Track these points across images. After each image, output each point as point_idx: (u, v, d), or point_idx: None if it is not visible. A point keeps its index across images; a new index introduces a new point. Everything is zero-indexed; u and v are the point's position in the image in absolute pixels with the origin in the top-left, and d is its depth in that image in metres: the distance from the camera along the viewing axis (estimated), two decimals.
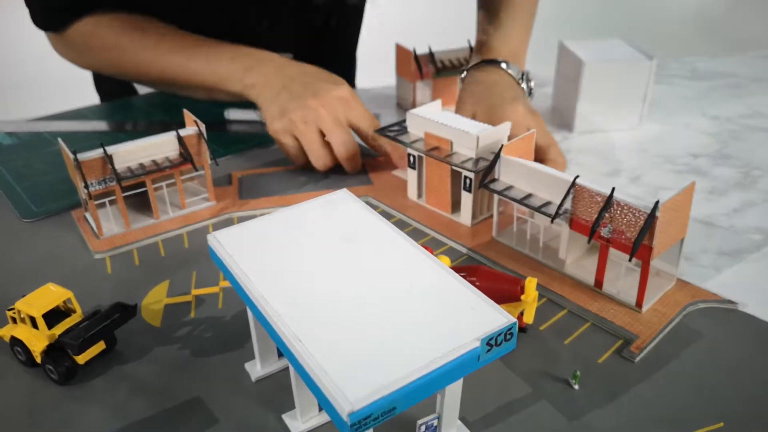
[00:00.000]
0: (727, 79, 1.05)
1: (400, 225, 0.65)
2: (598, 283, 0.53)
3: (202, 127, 0.64)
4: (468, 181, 0.61)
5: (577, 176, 0.51)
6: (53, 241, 0.63)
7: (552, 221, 0.52)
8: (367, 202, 0.69)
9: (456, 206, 0.65)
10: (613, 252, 0.52)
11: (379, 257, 0.40)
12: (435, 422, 0.39)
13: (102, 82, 1.14)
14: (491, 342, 0.33)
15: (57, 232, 0.65)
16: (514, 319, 0.34)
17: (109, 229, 0.63)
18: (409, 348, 0.33)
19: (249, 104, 0.86)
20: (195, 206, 0.67)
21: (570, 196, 0.52)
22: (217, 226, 0.65)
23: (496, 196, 0.59)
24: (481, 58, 0.80)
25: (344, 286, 0.37)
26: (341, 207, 0.45)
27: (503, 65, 0.78)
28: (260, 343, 0.45)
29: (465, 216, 0.63)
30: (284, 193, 0.70)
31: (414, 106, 0.89)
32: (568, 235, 0.54)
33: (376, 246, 0.41)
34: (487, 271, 0.49)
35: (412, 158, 0.66)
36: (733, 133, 0.85)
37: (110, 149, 0.60)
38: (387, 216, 0.67)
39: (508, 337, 0.34)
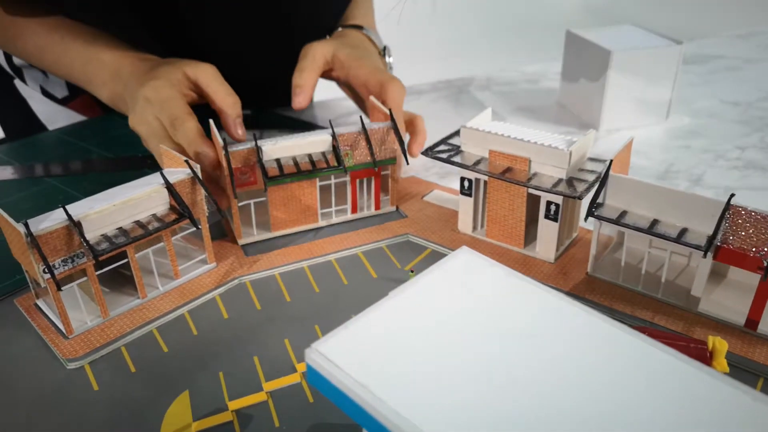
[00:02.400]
0: (720, 62, 1.00)
1: None
2: (752, 322, 0.43)
3: (197, 168, 0.48)
4: (554, 207, 0.49)
5: (733, 195, 0.40)
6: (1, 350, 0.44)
7: (704, 255, 0.41)
8: (408, 241, 0.55)
9: (527, 238, 0.52)
10: (740, 274, 0.41)
11: (588, 359, 0.26)
12: None
13: (5, 116, 0.91)
14: None
15: (1, 334, 0.46)
16: None
17: (81, 321, 0.45)
18: None
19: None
20: (191, 273, 0.50)
21: (723, 221, 0.41)
22: (227, 297, 0.49)
23: (595, 224, 0.47)
24: (344, 23, 0.77)
25: (565, 417, 0.24)
26: (477, 278, 0.31)
27: (365, 31, 0.75)
28: None
29: (546, 250, 0.51)
30: (297, 241, 0.55)
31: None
32: (709, 269, 0.43)
33: (569, 338, 0.27)
34: (655, 336, 0.36)
35: (467, 183, 0.53)
36: (764, 120, 0.78)
37: (76, 213, 0.42)
38: (439, 257, 0.53)
39: None
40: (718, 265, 0.48)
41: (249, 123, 0.79)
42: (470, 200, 0.54)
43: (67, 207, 0.42)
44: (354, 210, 0.57)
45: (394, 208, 0.59)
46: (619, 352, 0.27)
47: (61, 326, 0.44)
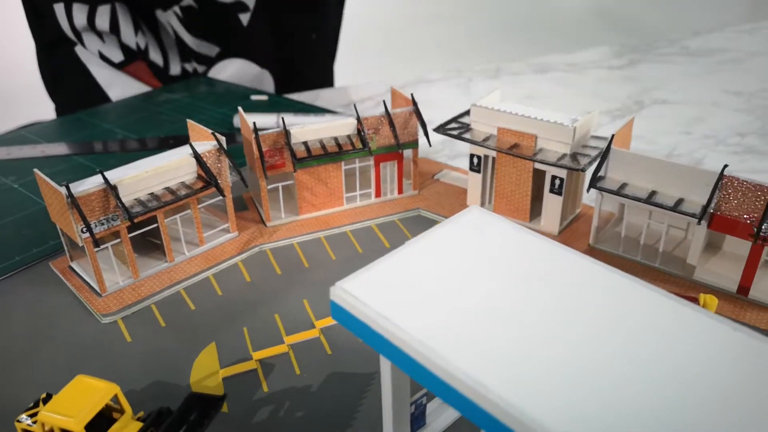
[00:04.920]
0: (726, 54, 1.02)
1: None
2: (743, 289, 0.45)
3: (222, 140, 0.51)
4: (558, 181, 0.51)
5: (726, 165, 0.43)
6: (37, 305, 0.48)
7: (699, 222, 0.43)
8: (419, 216, 0.58)
9: (532, 212, 0.55)
10: (740, 244, 0.44)
11: (593, 301, 0.29)
12: None
13: (60, 89, 0.95)
14: None
15: (38, 293, 0.49)
16: None
17: (114, 281, 0.48)
18: None
19: (253, 107, 0.73)
20: (215, 240, 0.53)
21: (717, 191, 0.43)
22: (249, 263, 0.52)
23: (597, 197, 0.49)
24: None
25: (575, 351, 0.26)
26: (490, 229, 0.34)
27: None
28: (396, 419, 0.33)
29: (551, 223, 0.54)
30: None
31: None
32: (704, 237, 0.46)
33: (579, 284, 0.30)
34: None
35: (476, 159, 0.56)
36: (766, 109, 0.81)
37: (112, 177, 0.45)
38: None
39: None
40: (714, 238, 0.50)
41: (266, 107, 0.82)
42: (479, 176, 0.56)
43: (104, 173, 0.46)
44: (378, 194, 0.60)
45: (416, 192, 0.61)
46: (617, 293, 0.29)
47: (95, 285, 0.47)
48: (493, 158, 0.55)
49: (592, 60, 1.02)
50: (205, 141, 0.52)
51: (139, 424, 0.32)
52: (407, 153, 0.60)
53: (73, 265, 0.51)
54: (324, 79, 1.07)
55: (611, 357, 0.26)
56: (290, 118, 0.77)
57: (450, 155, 0.70)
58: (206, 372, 0.41)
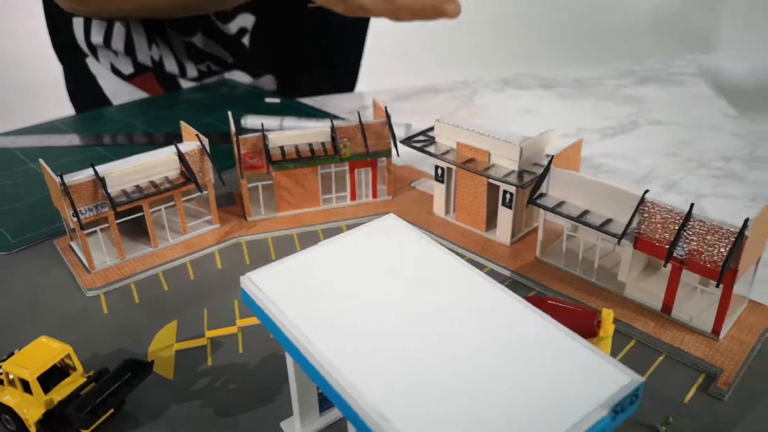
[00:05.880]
0: (738, 78, 1.02)
1: None
2: (667, 308, 0.48)
3: (205, 141, 0.57)
4: (508, 196, 0.55)
5: (647, 191, 0.46)
6: (36, 277, 0.55)
7: (618, 242, 0.46)
8: None
9: (490, 223, 0.59)
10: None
11: (455, 300, 0.33)
12: None
13: (76, 90, 1.05)
14: (618, 408, 0.27)
15: (39, 266, 0.56)
16: (641, 378, 0.28)
17: (102, 261, 0.55)
18: (521, 423, 0.26)
19: (263, 110, 0.79)
20: (197, 231, 0.60)
21: (638, 214, 0.46)
22: (224, 253, 0.58)
23: (541, 213, 0.53)
24: None
25: (420, 341, 0.31)
26: (394, 236, 0.39)
27: None
28: (302, 398, 0.38)
29: (503, 234, 0.57)
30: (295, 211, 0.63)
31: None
32: (631, 256, 0.49)
33: (448, 285, 0.34)
34: (555, 304, 0.42)
35: (440, 171, 0.60)
36: (762, 135, 0.81)
37: (102, 170, 0.52)
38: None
39: (633, 399, 0.28)
40: (654, 259, 0.53)
41: (276, 110, 0.88)
42: (443, 186, 0.60)
43: (96, 166, 0.52)
44: (353, 197, 0.65)
45: (390, 198, 0.66)
46: (478, 297, 0.33)
47: (85, 262, 0.54)
48: (455, 171, 0.59)
49: (600, 77, 1.03)
50: (192, 142, 0.58)
51: (84, 379, 0.38)
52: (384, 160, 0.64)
53: (72, 244, 0.58)
54: (344, 83, 1.12)
55: (445, 345, 0.30)
56: (293, 122, 0.82)
57: (432, 164, 0.74)
58: (163, 344, 0.47)
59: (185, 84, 1.02)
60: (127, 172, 0.53)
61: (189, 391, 0.43)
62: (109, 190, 0.52)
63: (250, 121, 0.83)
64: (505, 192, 0.55)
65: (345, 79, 1.13)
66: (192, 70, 1.01)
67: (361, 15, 0.75)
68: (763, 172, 0.71)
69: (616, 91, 0.98)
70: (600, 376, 0.28)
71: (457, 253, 0.57)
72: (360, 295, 0.34)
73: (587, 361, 0.29)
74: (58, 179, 0.50)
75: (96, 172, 0.51)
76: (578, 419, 0.26)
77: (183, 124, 0.60)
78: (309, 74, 1.07)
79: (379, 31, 1.13)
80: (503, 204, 0.56)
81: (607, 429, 0.27)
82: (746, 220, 0.41)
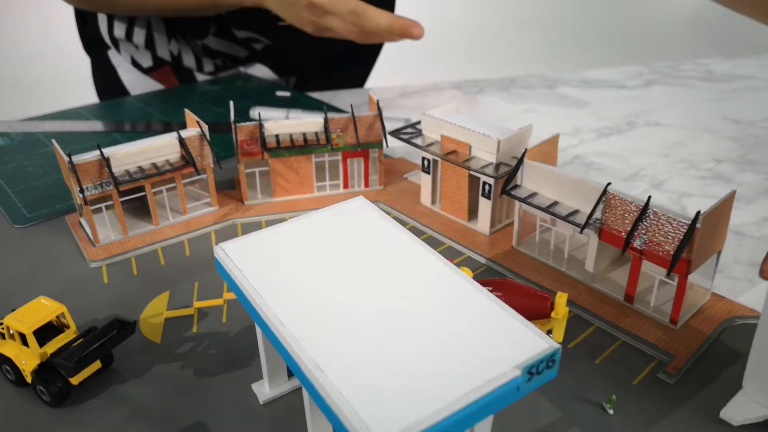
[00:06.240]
0: (746, 82, 1.02)
1: (415, 233, 0.62)
2: (629, 297, 0.50)
3: (205, 128, 0.61)
4: (487, 187, 0.57)
5: (609, 183, 0.48)
6: (46, 248, 0.60)
7: (581, 231, 0.49)
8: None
9: (473, 213, 0.61)
10: (645, 264, 0.48)
11: (403, 274, 0.36)
12: None
13: (99, 80, 1.10)
14: (533, 371, 0.30)
15: (50, 239, 0.61)
16: (558, 345, 0.31)
17: (106, 235, 0.59)
18: (443, 379, 0.29)
19: (270, 101, 0.83)
20: (196, 212, 0.64)
21: (601, 205, 0.48)
22: (220, 233, 0.62)
23: (517, 204, 0.55)
24: None
25: (366, 307, 0.34)
26: (359, 216, 0.42)
27: None
28: (269, 363, 0.41)
29: (483, 224, 0.60)
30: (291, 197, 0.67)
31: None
32: (596, 246, 0.51)
33: (399, 261, 0.37)
34: (514, 286, 0.45)
35: (426, 162, 0.63)
36: (757, 138, 0.82)
37: (107, 151, 0.56)
38: (399, 223, 0.63)
39: (551, 364, 0.31)
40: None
41: (286, 103, 0.92)
42: (429, 177, 0.63)
43: (102, 148, 0.57)
44: (345, 186, 0.68)
45: (382, 187, 0.69)
46: (423, 269, 0.36)
47: (91, 236, 0.59)
48: (440, 162, 0.62)
49: (607, 79, 1.05)
50: (192, 128, 0.62)
51: (75, 335, 0.43)
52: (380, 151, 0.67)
53: (81, 220, 0.62)
54: (356, 80, 1.15)
55: (386, 309, 0.33)
56: (298, 114, 0.86)
57: None
58: (155, 312, 0.51)
59: (201, 77, 1.06)
60: (130, 153, 0.57)
61: (173, 354, 0.47)
62: (113, 170, 0.56)
63: (259, 112, 0.87)
64: (484, 183, 0.58)
65: (358, 76, 1.17)
66: (209, 65, 1.05)
67: (330, 36, 0.79)
68: (752, 174, 0.73)
69: (619, 92, 0.99)
70: (520, 341, 0.31)
71: (439, 242, 0.60)
72: (317, 265, 0.37)
73: (511, 327, 0.32)
74: (66, 158, 0.54)
75: (102, 153, 0.56)
76: (494, 376, 0.29)
77: (187, 111, 0.64)
78: (326, 71, 1.11)
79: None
80: (482, 195, 0.58)
81: (522, 388, 0.30)
82: (698, 213, 0.43)
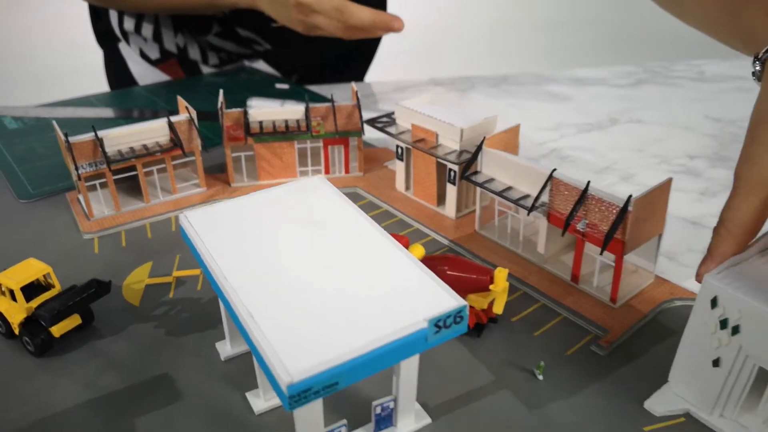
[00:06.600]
0: (736, 82, 1.04)
1: (387, 216, 0.66)
2: (575, 277, 0.53)
3: (194, 113, 0.65)
4: (452, 173, 0.61)
5: (554, 169, 0.51)
6: (46, 221, 0.65)
7: (528, 214, 0.52)
8: (355, 193, 0.70)
9: (442, 199, 0.65)
10: (590, 247, 0.52)
11: (341, 241, 0.40)
12: (390, 404, 0.39)
13: (110, 71, 1.16)
14: (440, 324, 0.34)
15: (50, 213, 0.66)
16: (465, 303, 0.34)
17: (100, 211, 0.64)
18: (356, 325, 0.33)
19: (270, 93, 0.88)
20: (185, 192, 0.68)
21: (547, 190, 0.52)
22: None
23: (479, 190, 0.59)
24: None
25: (302, 266, 0.38)
26: (314, 192, 0.46)
27: None
28: (230, 323, 0.46)
29: (450, 208, 0.64)
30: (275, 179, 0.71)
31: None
32: (546, 229, 0.54)
33: (340, 230, 0.41)
34: (459, 260, 0.49)
35: (400, 150, 0.66)
36: (735, 136, 0.84)
37: (101, 133, 0.61)
38: (373, 207, 0.67)
39: (458, 320, 0.34)
40: None
41: (284, 94, 0.96)
42: (402, 164, 0.67)
43: (97, 129, 0.61)
44: (327, 171, 0.72)
45: (361, 174, 0.73)
46: (361, 237, 0.40)
47: (86, 210, 0.64)
48: (412, 150, 0.66)
49: (598, 77, 1.07)
50: (182, 114, 0.66)
51: (57, 292, 0.48)
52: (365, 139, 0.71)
53: (79, 197, 0.67)
54: (355, 74, 1.20)
55: (320, 269, 0.37)
56: (293, 105, 0.90)
57: None
58: (137, 279, 0.56)
59: (206, 70, 1.11)
60: (122, 135, 0.62)
61: (149, 315, 0.51)
62: (106, 150, 0.61)
63: (254, 102, 0.92)
64: (449, 170, 0.61)
65: (357, 71, 1.21)
66: (213, 58, 1.10)
67: (318, 34, 0.83)
68: (723, 170, 0.75)
69: (608, 91, 1.01)
70: (432, 298, 0.35)
71: (408, 224, 0.64)
72: (267, 231, 0.41)
73: (425, 287, 0.36)
74: (64, 138, 0.59)
75: (96, 133, 0.61)
76: (405, 325, 0.33)
77: (179, 98, 0.68)
78: (327, 68, 1.15)
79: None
80: (448, 181, 0.62)
81: (431, 339, 0.34)
82: (629, 197, 0.46)
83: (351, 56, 1.18)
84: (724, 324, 0.38)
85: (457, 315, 0.34)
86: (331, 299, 0.35)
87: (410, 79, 1.07)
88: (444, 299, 0.35)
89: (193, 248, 0.42)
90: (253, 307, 0.35)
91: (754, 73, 0.46)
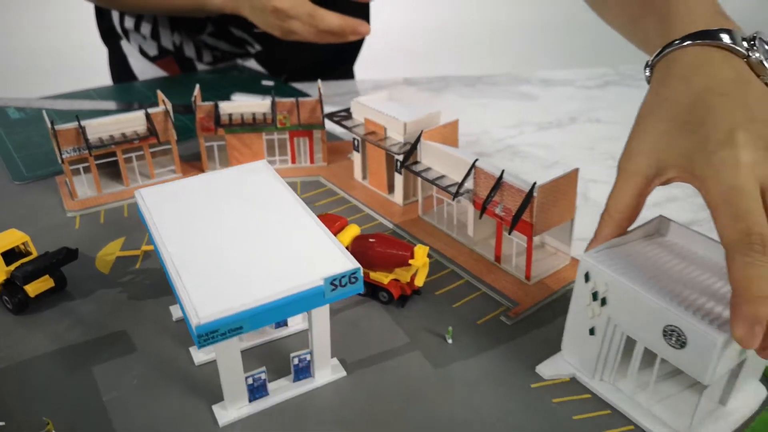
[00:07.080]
0: None
1: (342, 202, 0.72)
2: (497, 258, 0.59)
3: (169, 105, 0.72)
4: (398, 163, 0.67)
5: (477, 159, 0.57)
6: (35, 200, 0.72)
7: (453, 199, 0.58)
8: (318, 182, 0.76)
9: (392, 187, 0.71)
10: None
11: (267, 215, 0.47)
12: (307, 357, 0.45)
13: (113, 67, 1.24)
14: (335, 282, 0.40)
15: (40, 193, 0.73)
16: (358, 265, 0.41)
17: (84, 192, 0.71)
18: (263, 281, 0.39)
19: (256, 89, 0.94)
20: (162, 177, 0.75)
21: (471, 178, 0.58)
22: None
23: (419, 178, 0.65)
24: (675, 35, 0.47)
25: (230, 235, 0.44)
26: (254, 175, 0.52)
27: (725, 38, 0.44)
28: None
29: (397, 196, 0.70)
30: None
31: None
32: (473, 214, 0.60)
33: (269, 206, 0.48)
34: (386, 238, 0.55)
35: (356, 142, 0.73)
36: None
37: (84, 122, 0.68)
38: (332, 194, 0.74)
39: (353, 280, 0.41)
40: None
41: (269, 91, 1.03)
42: (359, 155, 0.73)
43: (80, 119, 0.69)
44: (293, 161, 0.79)
45: (325, 164, 0.79)
46: (286, 213, 0.47)
47: (71, 192, 0.71)
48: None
49: (568, 78, 1.12)
50: (162, 105, 0.73)
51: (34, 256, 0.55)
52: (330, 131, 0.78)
53: (67, 180, 0.75)
54: (339, 72, 1.26)
55: (245, 238, 0.43)
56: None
57: None
58: (109, 251, 0.62)
59: (201, 67, 1.19)
60: (103, 123, 0.69)
61: (116, 283, 0.58)
62: (88, 137, 0.68)
63: (236, 97, 0.98)
64: (396, 160, 0.67)
65: (343, 71, 1.27)
66: (208, 56, 1.17)
67: (295, 38, 0.89)
68: None
69: (576, 91, 1.07)
70: (332, 261, 0.41)
71: (359, 209, 0.70)
72: (207, 206, 0.48)
73: (328, 252, 0.42)
74: (50, 125, 0.67)
75: (79, 122, 0.68)
76: (304, 282, 0.39)
77: (158, 92, 0.75)
78: (313, 68, 1.21)
79: (376, 32, 1.26)
80: (396, 170, 0.68)
81: (328, 295, 0.40)
82: (534, 184, 0.52)
83: (335, 59, 1.24)
84: (595, 296, 0.44)
85: (351, 276, 0.40)
86: (247, 261, 0.42)
87: (388, 78, 1.13)
88: (341, 261, 0.41)
89: (144, 220, 0.49)
90: (181, 267, 0.41)
91: (647, 79, 0.52)
